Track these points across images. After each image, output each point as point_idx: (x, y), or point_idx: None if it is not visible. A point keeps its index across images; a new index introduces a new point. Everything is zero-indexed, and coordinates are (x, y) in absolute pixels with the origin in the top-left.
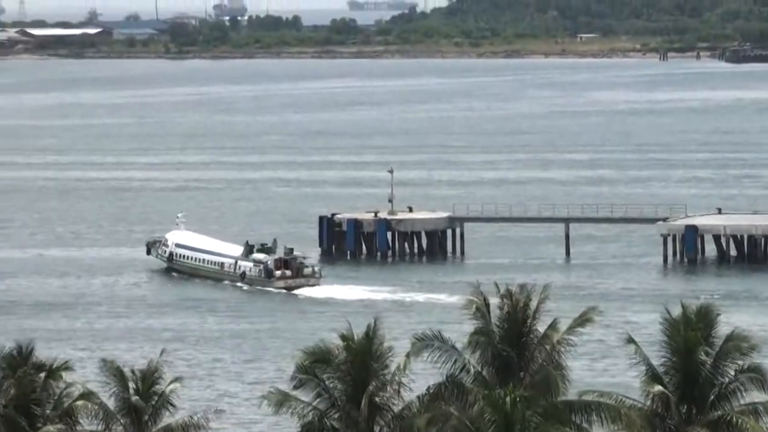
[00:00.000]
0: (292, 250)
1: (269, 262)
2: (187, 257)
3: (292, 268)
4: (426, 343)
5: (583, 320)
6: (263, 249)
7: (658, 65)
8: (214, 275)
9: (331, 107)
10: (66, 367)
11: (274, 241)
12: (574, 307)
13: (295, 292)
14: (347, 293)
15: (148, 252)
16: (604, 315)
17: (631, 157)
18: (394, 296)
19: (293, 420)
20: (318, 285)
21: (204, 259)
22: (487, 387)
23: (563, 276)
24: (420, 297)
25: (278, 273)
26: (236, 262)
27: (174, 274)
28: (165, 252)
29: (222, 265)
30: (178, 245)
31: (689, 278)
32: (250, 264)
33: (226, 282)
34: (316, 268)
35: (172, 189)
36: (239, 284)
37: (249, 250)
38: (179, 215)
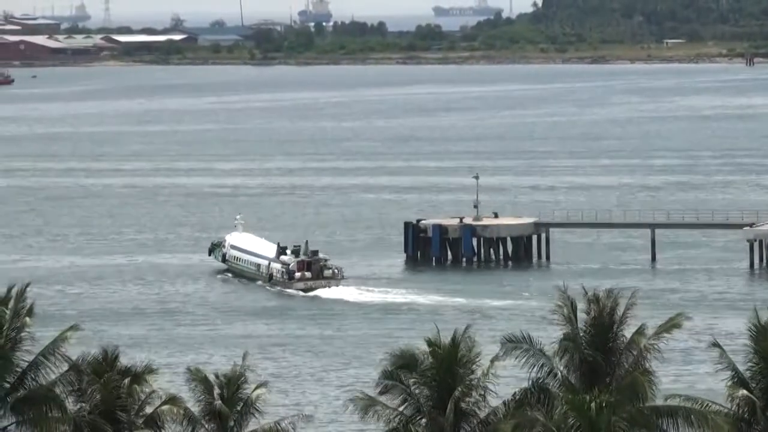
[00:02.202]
0: (316, 252)
1: (292, 264)
2: (236, 258)
3: (313, 270)
4: (515, 345)
5: (671, 325)
6: (295, 251)
7: (745, 70)
8: (253, 276)
9: (416, 113)
10: (150, 370)
11: (306, 243)
12: (660, 313)
13: (314, 293)
14: (368, 296)
15: (210, 253)
16: (691, 320)
17: (717, 163)
18: (469, 302)
19: (379, 425)
20: (338, 286)
21: (247, 260)
22: (573, 392)
23: (649, 282)
24: (504, 302)
25: (298, 275)
26: (269, 264)
27: (228, 275)
28: (222, 253)
29: (259, 266)
30: (232, 246)
31: None
32: (279, 265)
33: (259, 283)
34: (337, 270)
35: (258, 195)
36: (266, 285)
37: (281, 251)
38: (237, 217)
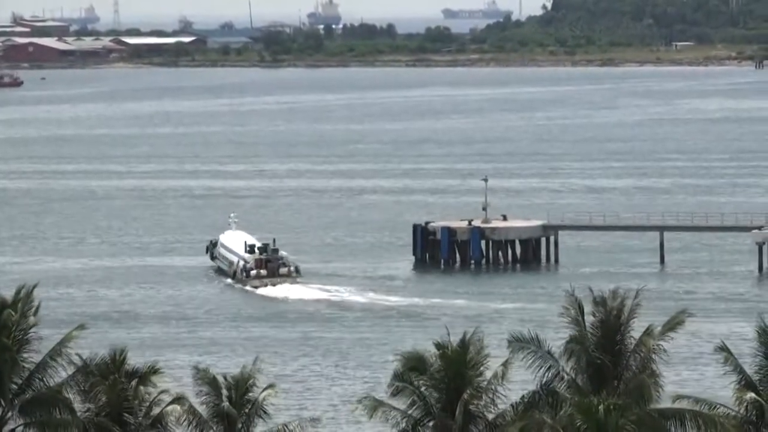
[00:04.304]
0: (276, 250)
1: (249, 261)
2: (220, 256)
3: (269, 267)
4: (522, 345)
5: (674, 324)
6: (261, 248)
7: (754, 73)
8: (227, 273)
9: (425, 116)
10: (155, 370)
11: (273, 241)
12: (668, 316)
13: (265, 290)
14: (376, 299)
15: (206, 251)
16: (696, 321)
17: (726, 165)
18: (484, 304)
19: (387, 427)
20: (294, 284)
21: (225, 258)
22: (580, 394)
23: (657, 284)
24: (513, 305)
25: (254, 272)
26: (237, 261)
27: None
28: (212, 252)
29: (231, 264)
30: (221, 245)
31: None
32: (242, 263)
33: (227, 280)
34: (293, 268)
35: (267, 197)
36: (230, 282)
37: (250, 249)
38: (231, 215)
